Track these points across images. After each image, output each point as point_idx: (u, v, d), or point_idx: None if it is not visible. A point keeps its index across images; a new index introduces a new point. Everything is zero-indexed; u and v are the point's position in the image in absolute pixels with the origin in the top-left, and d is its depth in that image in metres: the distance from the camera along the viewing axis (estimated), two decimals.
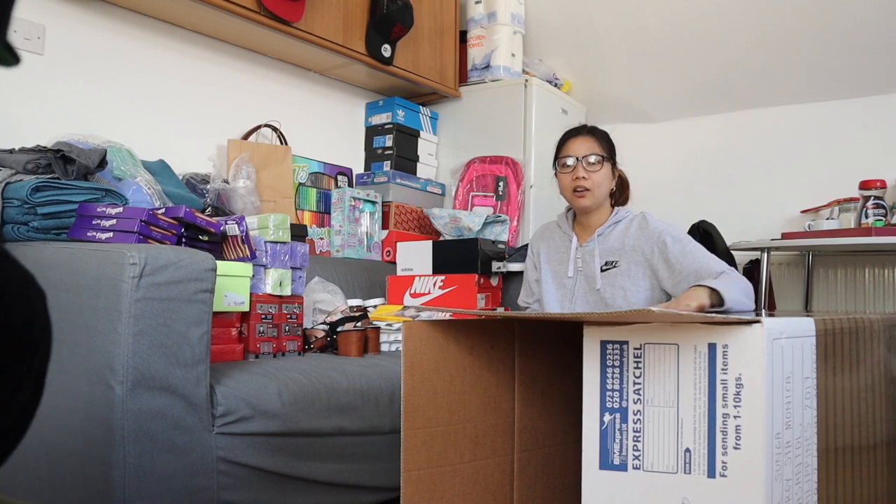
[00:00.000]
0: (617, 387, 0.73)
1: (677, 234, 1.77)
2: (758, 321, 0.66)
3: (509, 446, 0.93)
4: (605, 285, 1.82)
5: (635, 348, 0.72)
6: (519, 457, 0.93)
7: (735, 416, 0.67)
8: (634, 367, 0.72)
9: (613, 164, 1.88)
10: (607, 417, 0.73)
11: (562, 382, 0.96)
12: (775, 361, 0.67)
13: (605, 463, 0.73)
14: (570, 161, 1.83)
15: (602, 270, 1.83)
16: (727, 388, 0.67)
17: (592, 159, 1.81)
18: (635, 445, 0.72)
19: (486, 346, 0.89)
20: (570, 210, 1.98)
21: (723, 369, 0.67)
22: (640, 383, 0.72)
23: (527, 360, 0.94)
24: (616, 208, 1.91)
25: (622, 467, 0.72)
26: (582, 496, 0.74)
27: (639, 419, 0.72)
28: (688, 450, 0.69)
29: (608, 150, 1.86)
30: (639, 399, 0.72)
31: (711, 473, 0.68)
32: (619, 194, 1.96)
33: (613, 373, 0.73)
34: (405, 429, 0.82)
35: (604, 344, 0.73)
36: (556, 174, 1.91)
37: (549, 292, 1.93)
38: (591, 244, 1.87)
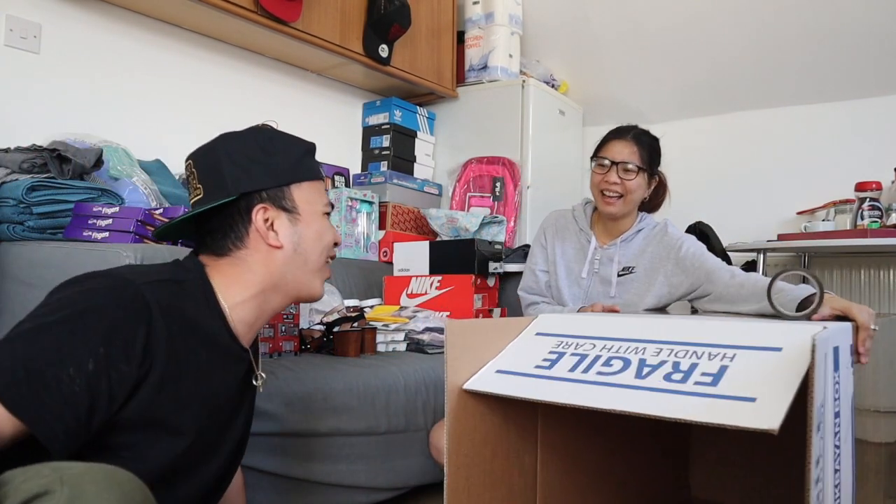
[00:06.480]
0: None
1: (694, 241, 1.74)
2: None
3: None
4: (619, 292, 1.74)
5: None
6: None
7: None
8: None
9: (651, 173, 1.77)
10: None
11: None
12: None
13: None
14: (605, 163, 1.74)
15: (618, 275, 1.76)
16: None
17: (630, 167, 1.71)
18: None
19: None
20: (588, 204, 1.88)
21: None
22: None
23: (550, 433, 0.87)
24: (641, 214, 1.82)
25: None
26: None
27: None
28: None
29: (649, 159, 1.75)
30: None
31: None
32: (652, 200, 1.85)
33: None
34: None
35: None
36: (591, 167, 1.80)
37: (563, 289, 1.83)
38: (611, 249, 1.78)
